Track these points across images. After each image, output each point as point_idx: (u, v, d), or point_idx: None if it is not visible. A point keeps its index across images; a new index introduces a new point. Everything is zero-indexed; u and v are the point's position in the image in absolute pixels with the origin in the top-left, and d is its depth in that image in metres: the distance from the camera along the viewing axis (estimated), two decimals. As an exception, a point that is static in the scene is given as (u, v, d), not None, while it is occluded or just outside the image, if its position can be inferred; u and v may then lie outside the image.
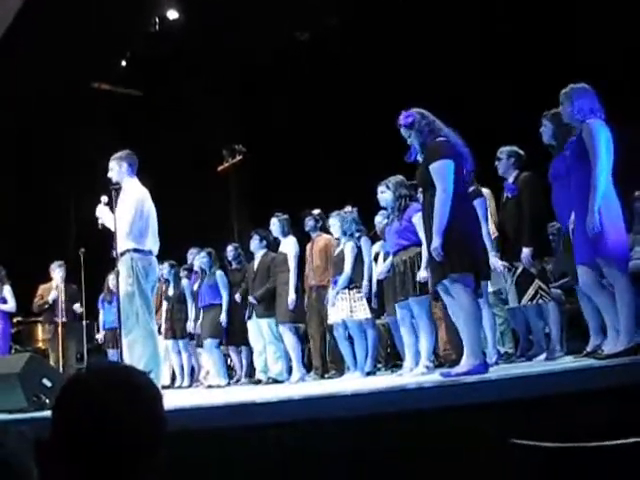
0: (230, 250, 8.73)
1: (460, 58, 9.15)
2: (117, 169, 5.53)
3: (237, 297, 8.19)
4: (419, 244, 5.61)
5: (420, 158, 4.67)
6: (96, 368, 1.47)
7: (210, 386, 8.22)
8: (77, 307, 9.32)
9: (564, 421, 2.84)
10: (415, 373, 5.65)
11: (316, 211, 7.83)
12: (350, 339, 6.88)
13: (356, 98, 10.19)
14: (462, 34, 9.19)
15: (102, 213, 5.45)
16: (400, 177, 5.95)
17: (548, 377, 3.61)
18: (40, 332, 9.86)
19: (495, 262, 5.66)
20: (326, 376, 7.43)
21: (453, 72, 9.12)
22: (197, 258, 8.74)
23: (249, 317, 7.88)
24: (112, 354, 9.30)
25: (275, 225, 7.75)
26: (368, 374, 6.84)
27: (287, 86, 11.28)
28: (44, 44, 10.29)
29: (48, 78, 10.95)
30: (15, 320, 9.80)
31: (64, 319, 9.03)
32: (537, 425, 2.87)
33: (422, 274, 5.50)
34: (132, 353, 5.22)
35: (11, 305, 9.06)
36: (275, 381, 7.50)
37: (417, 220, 5.62)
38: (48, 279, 9.41)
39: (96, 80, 12.66)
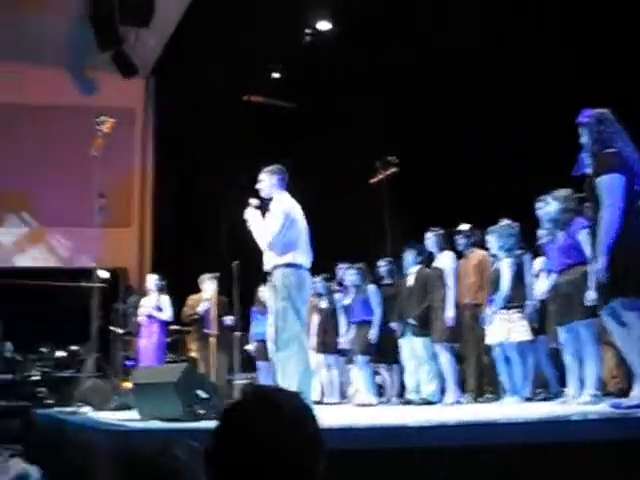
0: (383, 265, 8.62)
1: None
2: (267, 182, 5.57)
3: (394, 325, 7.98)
4: (585, 263, 5.24)
5: (589, 170, 4.36)
6: (254, 396, 1.50)
7: (360, 404, 8.11)
8: (229, 319, 9.46)
9: None
10: (580, 402, 5.27)
11: (465, 226, 7.57)
12: (508, 361, 6.55)
13: (520, 106, 9.76)
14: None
15: (251, 216, 5.49)
16: (568, 190, 5.61)
17: None
18: (191, 342, 10.11)
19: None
20: (480, 400, 7.13)
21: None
22: (347, 274, 8.69)
23: (403, 335, 7.71)
24: (262, 366, 9.41)
25: (431, 240, 7.59)
26: (527, 400, 6.48)
27: (442, 96, 11.05)
28: (200, 60, 10.77)
29: (203, 91, 11.45)
30: (171, 329, 10.12)
31: (216, 331, 9.11)
32: None
33: (590, 295, 5.08)
34: (285, 368, 5.25)
35: (168, 314, 9.36)
36: (427, 402, 7.28)
37: (583, 237, 5.32)
38: (197, 291, 9.64)
39: (248, 93, 13.02)
